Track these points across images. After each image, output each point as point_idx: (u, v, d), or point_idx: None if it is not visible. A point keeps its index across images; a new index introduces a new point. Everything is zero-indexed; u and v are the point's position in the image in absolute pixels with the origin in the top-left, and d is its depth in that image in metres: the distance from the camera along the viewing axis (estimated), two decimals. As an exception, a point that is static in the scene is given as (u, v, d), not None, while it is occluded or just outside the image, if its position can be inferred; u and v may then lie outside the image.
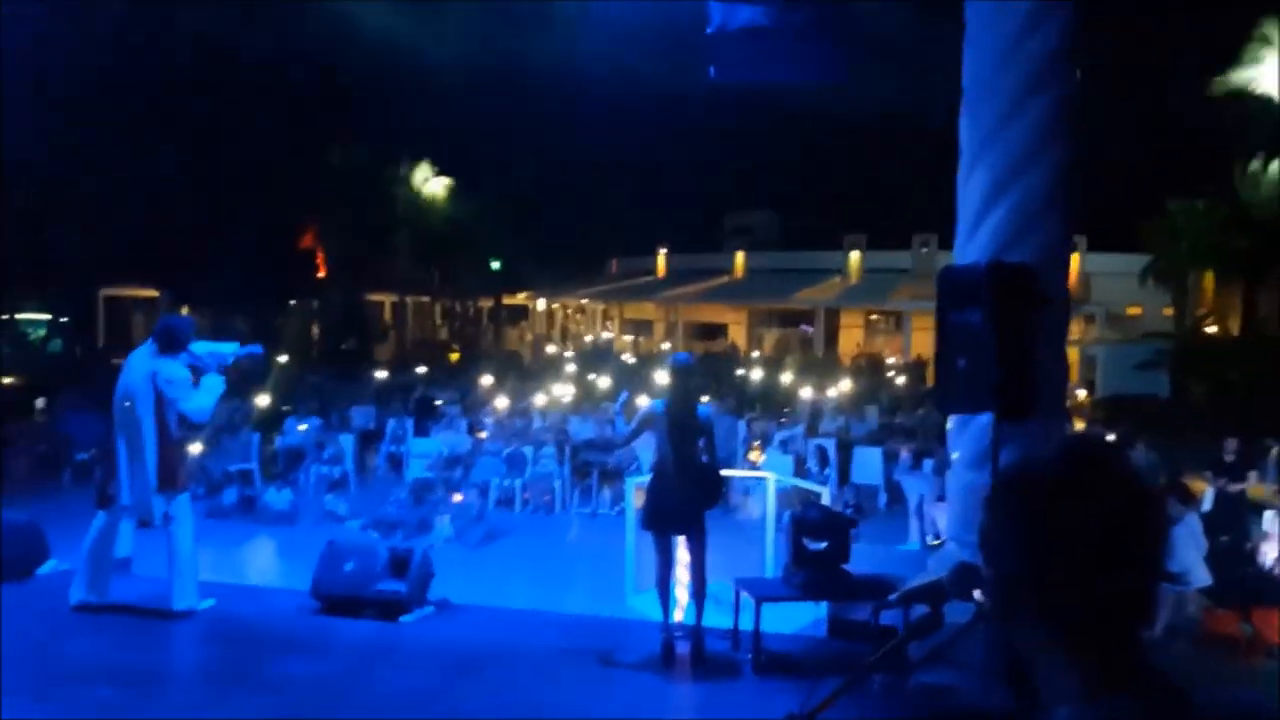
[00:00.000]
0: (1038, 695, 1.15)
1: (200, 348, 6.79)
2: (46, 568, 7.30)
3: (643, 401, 13.81)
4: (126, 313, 30.98)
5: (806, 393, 19.49)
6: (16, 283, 35.20)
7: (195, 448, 11.44)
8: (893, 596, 3.77)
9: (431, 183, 38.34)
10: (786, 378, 23.11)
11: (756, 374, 24.47)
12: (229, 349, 6.99)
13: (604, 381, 21.21)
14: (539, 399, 17.99)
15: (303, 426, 14.88)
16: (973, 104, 6.01)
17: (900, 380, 26.25)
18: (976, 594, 1.74)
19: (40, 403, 16.64)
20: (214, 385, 6.70)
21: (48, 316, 34.32)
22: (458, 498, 12.56)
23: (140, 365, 6.54)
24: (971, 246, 5.89)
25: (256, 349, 7.42)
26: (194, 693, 5.49)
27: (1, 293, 35.69)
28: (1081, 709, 1.09)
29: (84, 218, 28.85)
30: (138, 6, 26.18)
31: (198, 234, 30.89)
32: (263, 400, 16.17)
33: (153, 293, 29.72)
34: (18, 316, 34.23)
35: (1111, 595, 1.10)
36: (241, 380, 17.38)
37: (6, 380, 20.38)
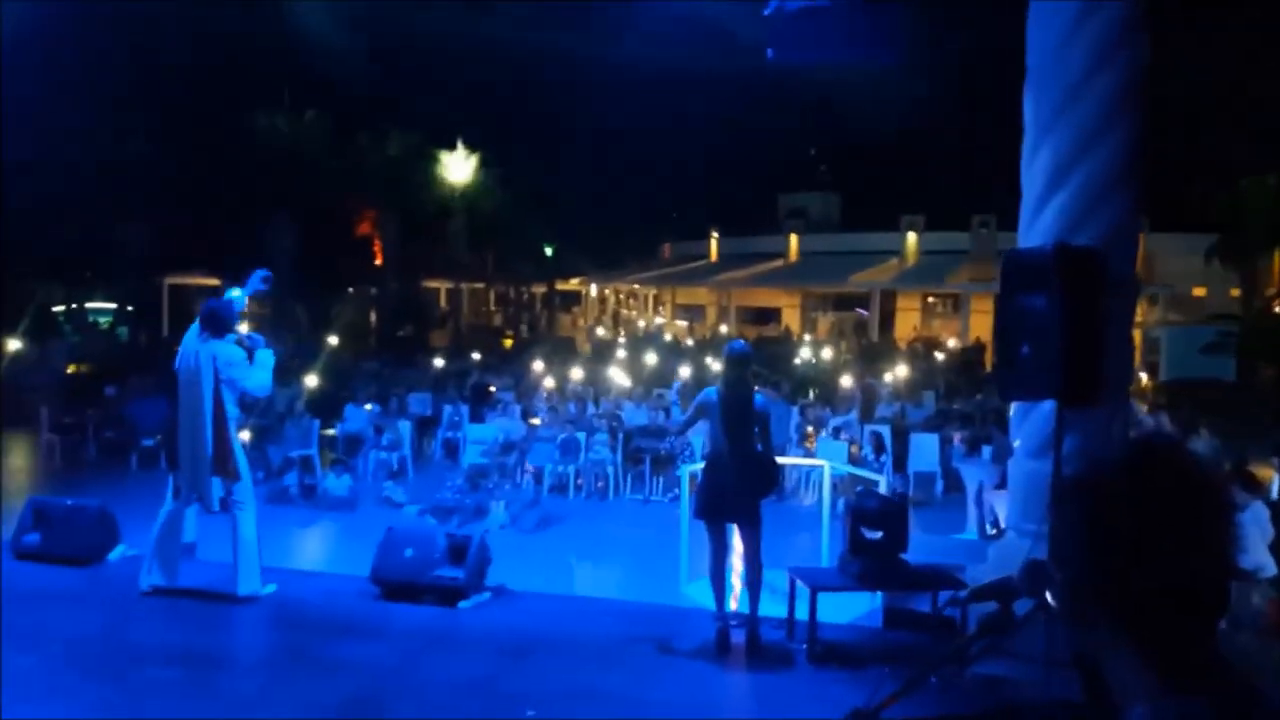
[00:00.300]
0: (1108, 692, 1.13)
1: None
2: (117, 553, 7.48)
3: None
4: (189, 301, 31.61)
5: (861, 378, 19.29)
6: (84, 273, 36.19)
7: (246, 434, 11.63)
8: (962, 593, 3.71)
9: (483, 170, 38.50)
10: (841, 363, 22.91)
11: (810, 359, 24.27)
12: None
13: (656, 367, 21.21)
14: (592, 385, 18.04)
15: (369, 406, 15.12)
16: (1037, 80, 5.86)
17: (958, 364, 25.85)
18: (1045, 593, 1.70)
19: (110, 390, 17.06)
20: (268, 360, 6.84)
21: (114, 306, 35.18)
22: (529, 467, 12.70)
23: (197, 350, 6.63)
24: (1036, 228, 5.76)
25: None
26: (258, 675, 5.59)
27: (70, 283, 36.71)
28: (1155, 707, 1.06)
29: (148, 209, 29.46)
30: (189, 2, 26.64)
31: (257, 223, 31.38)
32: (319, 386, 16.44)
33: (214, 281, 30.26)
34: (86, 306, 35.15)
35: (1183, 592, 1.08)
36: (300, 367, 17.70)
37: (77, 369, 20.94)
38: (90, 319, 34.13)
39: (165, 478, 6.88)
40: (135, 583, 6.62)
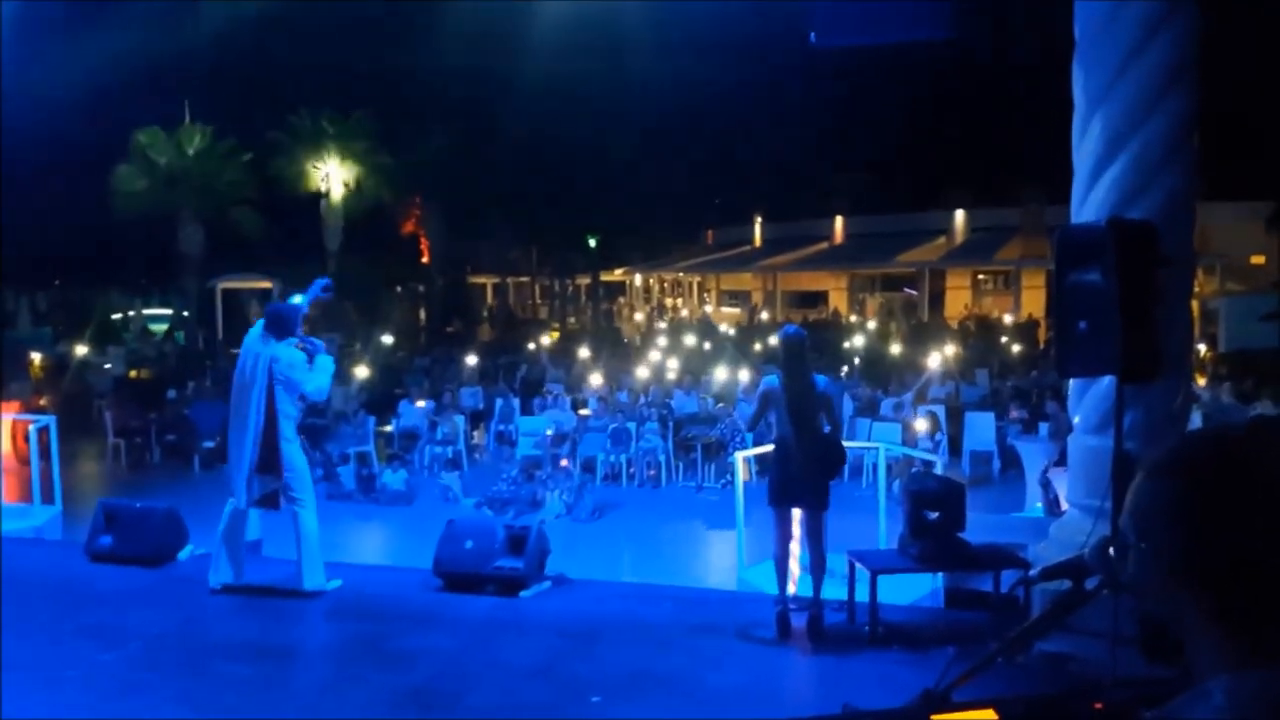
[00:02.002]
0: (1183, 667, 1.15)
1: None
2: (185, 552, 7.67)
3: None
4: (243, 304, 32.20)
5: (912, 358, 19.13)
6: (140, 280, 36.99)
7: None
8: (1033, 572, 3.69)
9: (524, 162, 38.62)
10: (891, 343, 22.73)
11: (859, 341, 24.11)
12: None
13: (705, 355, 21.20)
14: (640, 374, 18.10)
15: (421, 403, 15.32)
16: (1086, 51, 5.77)
17: (1011, 342, 25.51)
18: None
19: (170, 394, 17.45)
20: (328, 365, 6.96)
21: (169, 311, 35.94)
22: (564, 464, 12.81)
23: (257, 353, 6.77)
24: (1089, 203, 5.68)
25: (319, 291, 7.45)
26: (329, 668, 5.73)
27: (128, 290, 37.55)
28: (1235, 676, 1.08)
29: (203, 215, 30.01)
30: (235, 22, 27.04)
31: (305, 225, 31.87)
32: (373, 384, 16.69)
33: (266, 284, 30.81)
34: (144, 312, 35.95)
35: (1274, 570, 1.09)
36: (352, 366, 17.95)
37: (137, 374, 21.44)
38: (147, 325, 34.89)
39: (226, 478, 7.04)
40: (205, 581, 6.78)
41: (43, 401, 16.70)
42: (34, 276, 37.05)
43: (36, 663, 5.49)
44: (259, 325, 6.91)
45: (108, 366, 22.15)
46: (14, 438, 13.43)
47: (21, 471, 11.69)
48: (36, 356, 22.78)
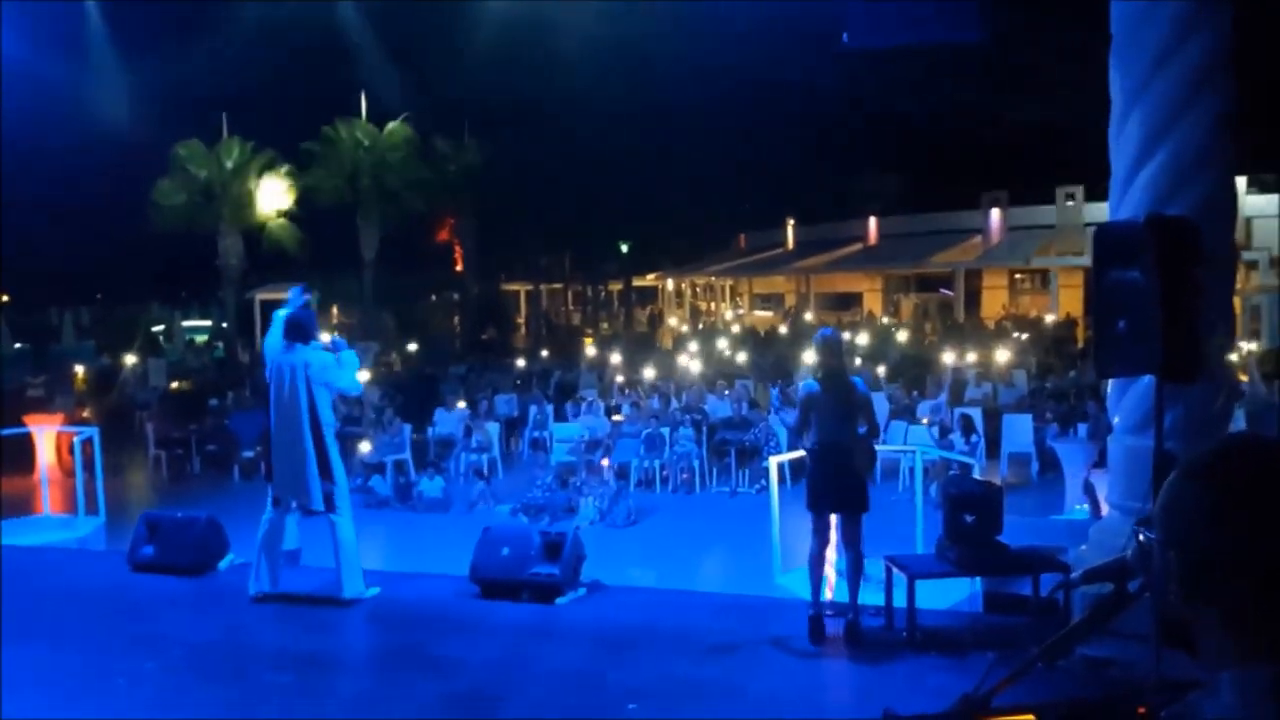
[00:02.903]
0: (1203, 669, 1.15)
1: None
2: (226, 562, 7.76)
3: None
4: (281, 315, 32.60)
5: (949, 359, 18.96)
6: (180, 292, 37.54)
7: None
8: (1074, 575, 3.65)
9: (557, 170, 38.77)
10: (927, 345, 22.55)
11: (894, 342, 23.94)
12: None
13: (739, 360, 21.15)
14: (673, 379, 18.11)
15: (462, 403, 15.41)
16: (1122, 48, 5.70)
17: (1049, 342, 25.21)
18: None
19: (212, 404, 17.68)
20: (353, 360, 7.05)
21: (209, 323, 36.44)
22: (605, 463, 12.83)
23: (287, 360, 6.81)
24: (1127, 200, 5.62)
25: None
26: (369, 675, 5.77)
27: (168, 303, 38.13)
28: (1244, 676, 1.07)
29: (241, 227, 30.42)
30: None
31: (342, 236, 32.19)
32: (409, 392, 16.80)
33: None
34: (184, 324, 36.48)
35: None
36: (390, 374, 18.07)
37: (178, 385, 21.74)
38: (188, 337, 35.42)
39: (266, 487, 7.11)
40: (245, 590, 6.86)
41: (86, 414, 16.98)
42: (76, 291, 37.76)
43: (83, 671, 5.58)
44: (276, 335, 6.93)
45: (152, 378, 22.49)
46: (59, 450, 13.66)
47: (66, 483, 11.89)
48: (80, 369, 23.18)
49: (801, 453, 6.56)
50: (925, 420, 13.77)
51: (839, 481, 5.94)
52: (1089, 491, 10.44)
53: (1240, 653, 1.09)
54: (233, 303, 31.21)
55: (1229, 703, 1.07)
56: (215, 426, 16.23)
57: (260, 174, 30.90)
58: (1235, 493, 1.11)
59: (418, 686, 5.36)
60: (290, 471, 6.76)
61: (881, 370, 18.63)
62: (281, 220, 31.26)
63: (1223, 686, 1.09)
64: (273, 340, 6.98)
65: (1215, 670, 1.12)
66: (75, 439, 10.08)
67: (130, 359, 23.53)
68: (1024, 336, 25.45)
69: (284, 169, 31.16)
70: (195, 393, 19.98)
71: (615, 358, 21.75)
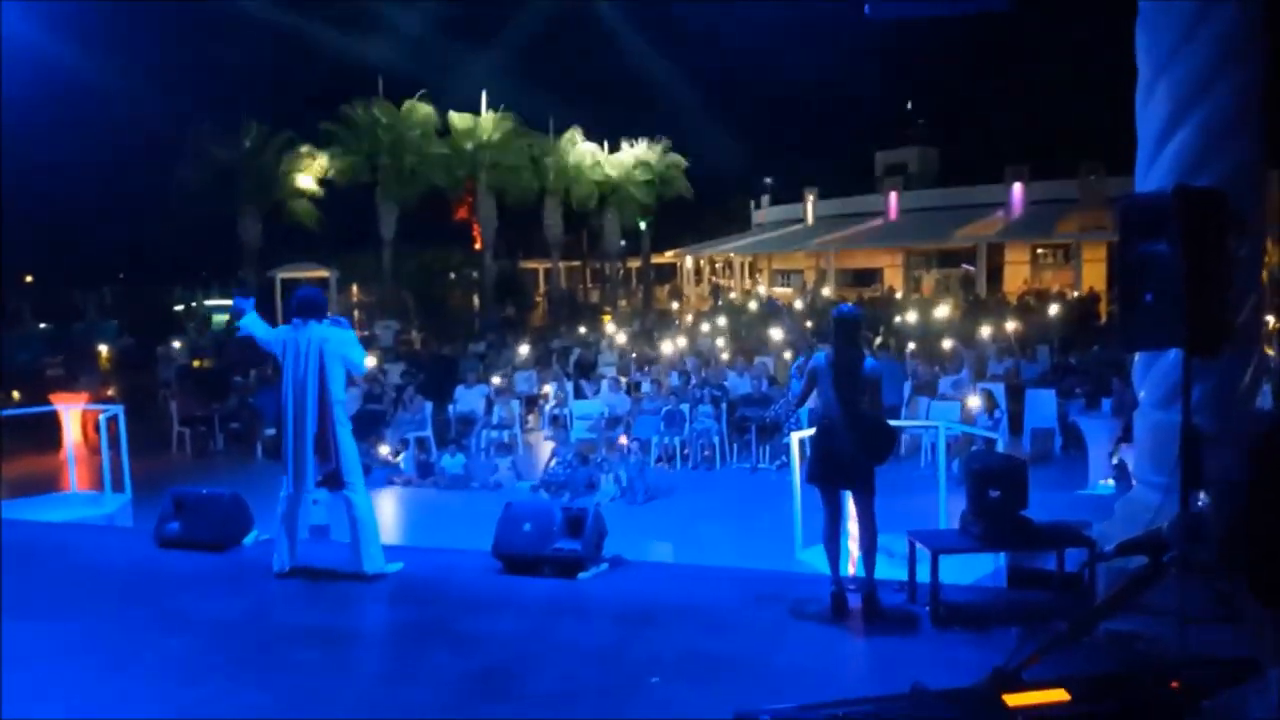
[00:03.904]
0: (1249, 648, 1.12)
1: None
2: (250, 538, 7.83)
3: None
4: (301, 294, 32.74)
5: (971, 335, 18.85)
6: (201, 272, 37.75)
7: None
8: (1109, 548, 3.62)
9: (580, 146, 38.57)
10: (948, 320, 22.41)
11: (915, 318, 23.81)
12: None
13: (758, 335, 21.09)
14: (694, 355, 18.08)
15: (497, 379, 15.46)
16: (1150, 17, 5.61)
17: (1072, 317, 25.01)
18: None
19: (236, 382, 17.81)
20: (355, 338, 7.14)
21: (230, 302, 36.64)
22: (623, 440, 12.85)
23: (307, 338, 6.83)
24: (1154, 172, 5.54)
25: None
26: (393, 651, 5.81)
27: (189, 283, 38.37)
28: None
29: (261, 207, 30.55)
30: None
31: (360, 214, 32.27)
32: (431, 369, 16.85)
33: (323, 273, 31.28)
34: (206, 303, 36.72)
35: None
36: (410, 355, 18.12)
37: (200, 364, 21.90)
38: (209, 315, 35.65)
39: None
40: (269, 565, 6.92)
41: (110, 392, 17.14)
42: (99, 271, 38.04)
43: (110, 647, 5.65)
44: (294, 314, 6.96)
45: (176, 357, 22.65)
46: (84, 427, 13.81)
47: (92, 460, 12.02)
48: (104, 348, 23.38)
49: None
50: (970, 401, 13.63)
51: (840, 458, 5.91)
52: (1118, 467, 10.38)
53: None
54: (254, 281, 31.37)
55: (1275, 703, 1.04)
56: (238, 404, 16.35)
57: (279, 154, 30.97)
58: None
59: (441, 660, 5.39)
60: (291, 449, 6.80)
61: (904, 346, 18.54)
62: (301, 200, 31.35)
63: (1272, 685, 1.06)
64: (292, 321, 7.01)
65: (1267, 663, 1.09)
66: (101, 416, 10.17)
67: (173, 343, 23.67)
68: (1054, 309, 25.23)
69: (303, 149, 31.20)
70: (217, 371, 20.13)
71: (635, 335, 21.73)
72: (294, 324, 6.91)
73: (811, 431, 6.48)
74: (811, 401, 6.39)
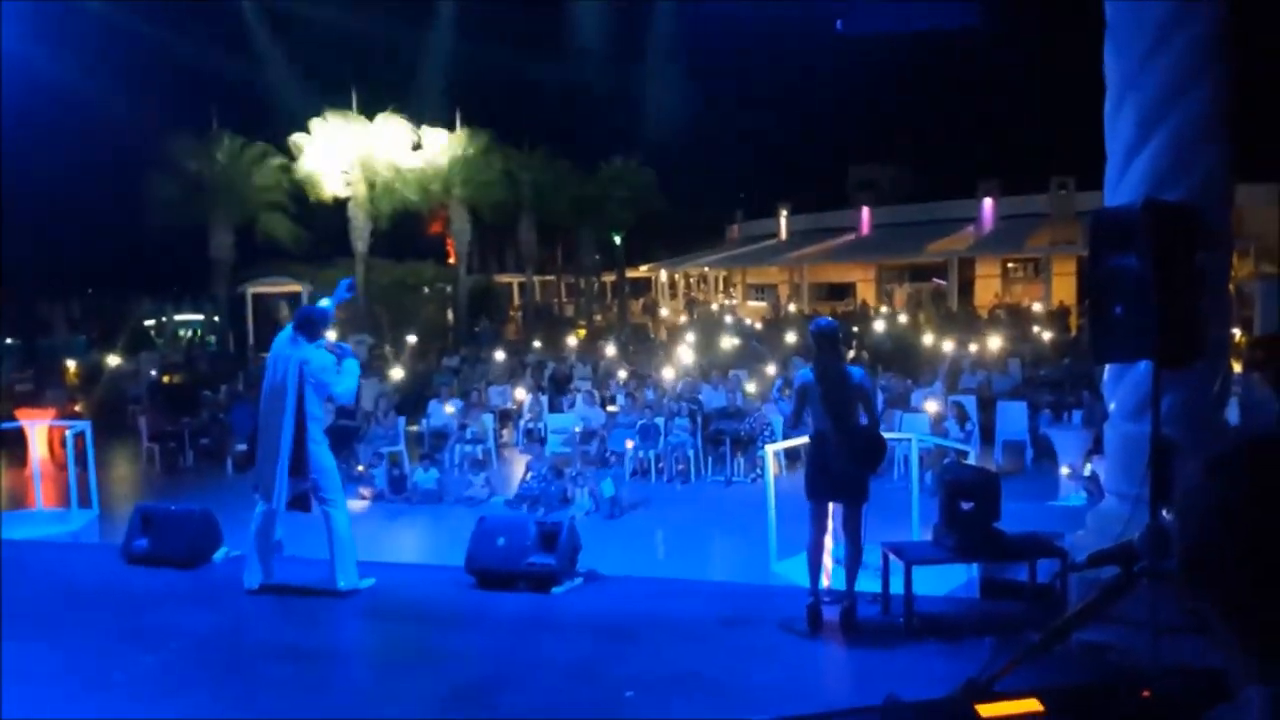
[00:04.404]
0: (1221, 666, 1.12)
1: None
2: (220, 554, 7.74)
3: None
4: (273, 308, 32.47)
5: (943, 348, 18.98)
6: (172, 286, 37.39)
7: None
8: (1080, 559, 3.64)
9: (550, 164, 38.61)
10: (920, 333, 22.55)
11: (888, 331, 23.96)
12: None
13: (731, 349, 21.13)
14: (668, 370, 18.09)
15: (449, 408, 15.35)
16: (1117, 32, 5.68)
17: (1042, 330, 25.25)
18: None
19: (206, 397, 17.62)
20: (354, 369, 7.02)
21: (200, 316, 36.31)
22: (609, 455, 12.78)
23: (288, 355, 6.80)
24: (1123, 186, 5.60)
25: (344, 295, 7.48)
26: (366, 668, 5.75)
27: (159, 296, 37.98)
28: (1276, 693, 1.05)
29: (233, 220, 30.30)
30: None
31: (333, 229, 32.07)
32: (404, 385, 16.74)
33: (296, 287, 31.06)
34: (176, 318, 36.33)
35: None
36: (383, 367, 18.02)
37: (170, 379, 21.64)
38: (178, 330, 35.27)
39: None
40: (240, 582, 6.84)
41: (78, 407, 16.91)
42: (67, 284, 37.57)
43: (80, 665, 5.55)
44: (289, 328, 6.96)
45: (145, 371, 22.38)
46: (51, 443, 13.60)
47: (59, 476, 11.84)
48: (71, 363, 23.07)
49: (796, 441, 6.55)
50: (928, 407, 13.77)
51: (836, 471, 5.94)
52: (1091, 479, 10.46)
53: (1267, 663, 1.07)
54: (225, 296, 31.08)
55: None
56: (209, 419, 16.17)
57: (251, 166, 30.75)
58: (1245, 489, 1.09)
59: (415, 678, 5.34)
60: (265, 467, 6.74)
61: (874, 360, 18.63)
62: (274, 213, 31.12)
63: (1248, 707, 1.06)
64: (284, 334, 6.97)
65: (1237, 676, 1.09)
66: (67, 432, 10.03)
67: (114, 358, 23.38)
68: (1030, 325, 25.47)
69: (276, 161, 31.00)
70: (187, 386, 19.90)
71: (610, 349, 21.72)
72: (291, 339, 6.87)
73: (785, 445, 6.50)
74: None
